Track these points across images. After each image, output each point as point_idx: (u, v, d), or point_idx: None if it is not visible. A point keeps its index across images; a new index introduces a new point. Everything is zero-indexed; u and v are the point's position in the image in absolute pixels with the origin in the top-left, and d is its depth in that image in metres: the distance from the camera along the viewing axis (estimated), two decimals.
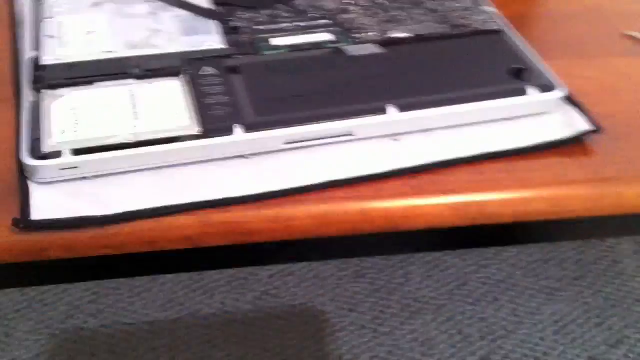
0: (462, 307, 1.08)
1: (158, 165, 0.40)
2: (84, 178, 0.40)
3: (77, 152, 0.39)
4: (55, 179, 0.39)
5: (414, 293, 1.10)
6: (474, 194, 0.41)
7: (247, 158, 0.42)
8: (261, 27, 0.51)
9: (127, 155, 0.40)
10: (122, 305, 1.04)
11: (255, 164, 0.42)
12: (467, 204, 0.41)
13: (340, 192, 0.40)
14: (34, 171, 0.39)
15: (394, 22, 0.53)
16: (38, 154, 0.39)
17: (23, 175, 0.39)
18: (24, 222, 0.37)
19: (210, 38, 0.49)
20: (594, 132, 0.45)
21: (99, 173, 0.40)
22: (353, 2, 0.55)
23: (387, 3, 0.55)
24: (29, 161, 0.39)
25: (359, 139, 0.44)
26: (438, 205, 0.41)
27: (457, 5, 0.55)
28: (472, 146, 0.44)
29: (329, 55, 0.48)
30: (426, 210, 0.41)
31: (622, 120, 0.47)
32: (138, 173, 0.40)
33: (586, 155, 0.45)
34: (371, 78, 0.46)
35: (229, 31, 0.50)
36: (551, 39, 0.56)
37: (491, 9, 0.55)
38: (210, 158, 0.41)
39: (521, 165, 0.43)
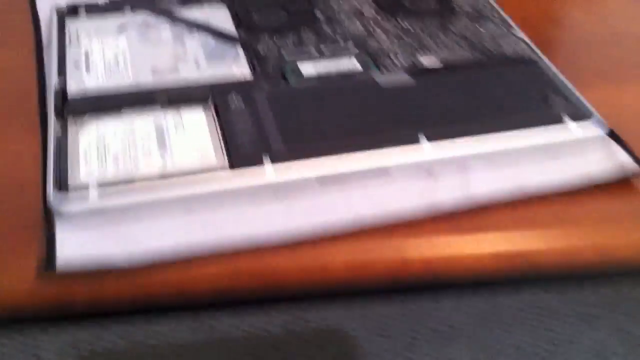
0: (497, 334, 1.05)
1: (186, 202, 0.39)
2: (111, 214, 0.39)
3: (105, 188, 0.39)
4: (81, 216, 0.38)
5: (446, 319, 1.07)
6: (517, 240, 0.39)
7: (277, 195, 0.41)
8: (286, 53, 0.50)
9: (155, 193, 0.39)
10: (151, 327, 1.04)
11: (286, 201, 0.40)
12: (510, 254, 0.39)
13: (376, 234, 0.39)
14: (60, 206, 0.38)
15: (422, 48, 0.51)
16: (65, 189, 0.38)
17: (48, 210, 0.38)
18: (49, 267, 0.36)
19: (235, 65, 0.49)
20: None
21: (126, 209, 0.39)
22: (378, 26, 0.54)
23: (412, 29, 0.54)
24: (55, 197, 0.38)
25: (394, 174, 0.42)
26: (481, 254, 0.39)
27: (487, 31, 0.54)
28: (511, 183, 0.42)
29: (360, 85, 0.47)
30: (468, 256, 0.39)
31: None
32: (166, 209, 0.39)
33: (635, 195, 0.42)
34: (403, 110, 0.45)
35: (254, 56, 0.50)
36: (583, 65, 0.54)
37: (522, 35, 0.53)
38: (238, 193, 0.40)
39: (565, 206, 0.41)
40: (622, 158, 0.44)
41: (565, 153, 0.44)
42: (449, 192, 0.42)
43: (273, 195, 0.40)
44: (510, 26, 0.55)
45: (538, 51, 0.52)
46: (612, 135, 0.45)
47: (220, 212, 0.39)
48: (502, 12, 0.56)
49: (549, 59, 0.51)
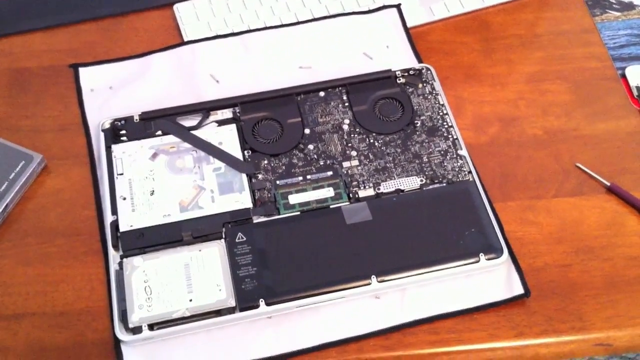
0: None
1: (206, 328, 0.59)
2: (155, 339, 0.59)
3: (152, 326, 0.58)
4: (137, 341, 0.58)
5: None
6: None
7: (270, 317, 0.60)
8: (279, 182, 0.66)
9: (184, 327, 0.58)
10: None
11: (275, 325, 0.60)
12: None
13: (329, 352, 0.58)
14: (124, 337, 0.58)
15: (383, 172, 0.67)
16: (127, 327, 0.58)
17: (117, 338, 0.58)
18: None
19: (241, 197, 0.65)
20: (525, 295, 0.61)
21: (165, 335, 0.59)
22: (353, 146, 0.69)
23: (380, 147, 0.69)
24: (121, 336, 0.58)
25: (349, 300, 0.61)
26: None
27: (437, 147, 0.69)
28: (432, 306, 0.61)
29: (330, 222, 0.64)
30: None
31: (549, 277, 0.63)
32: (192, 334, 0.59)
33: (517, 314, 0.60)
34: (362, 247, 0.62)
35: (255, 186, 0.66)
36: (512, 173, 0.69)
37: (464, 152, 0.68)
38: (242, 322, 0.60)
39: (467, 324, 0.60)
40: (515, 282, 0.62)
41: (475, 278, 0.62)
42: (388, 314, 0.60)
43: (266, 319, 0.60)
44: (456, 140, 0.69)
45: (473, 170, 0.67)
46: (512, 259, 0.63)
47: (229, 332, 0.59)
48: (454, 124, 0.71)
49: (481, 180, 0.67)
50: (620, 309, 0.61)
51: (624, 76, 0.78)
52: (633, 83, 0.77)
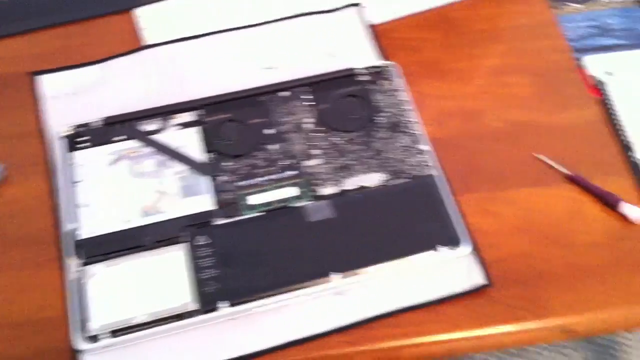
0: None
1: (168, 333, 0.59)
2: (116, 346, 0.58)
3: (112, 332, 0.57)
4: (96, 350, 0.58)
5: None
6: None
7: (234, 319, 0.60)
8: (241, 183, 0.66)
9: (147, 332, 0.58)
10: None
11: (239, 326, 0.60)
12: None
13: (293, 350, 0.58)
14: (82, 347, 0.57)
15: (347, 170, 0.67)
16: (85, 335, 0.57)
17: (74, 348, 0.58)
18: None
19: (203, 199, 0.65)
20: (487, 286, 0.61)
21: (127, 342, 0.58)
22: (314, 145, 0.69)
23: (343, 144, 0.69)
24: (80, 345, 0.57)
25: (312, 297, 0.61)
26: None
27: (398, 144, 0.69)
28: (395, 300, 0.61)
29: (293, 221, 0.63)
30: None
31: (511, 266, 0.63)
32: (155, 340, 0.59)
33: (479, 304, 0.61)
34: (323, 245, 0.62)
35: (217, 188, 0.66)
36: (474, 166, 0.69)
37: (426, 147, 0.69)
38: (205, 325, 0.59)
39: (430, 316, 0.60)
40: (477, 273, 0.62)
41: (437, 270, 0.62)
42: (351, 309, 0.60)
43: (230, 321, 0.60)
44: (418, 135, 0.70)
45: (436, 164, 0.68)
46: (474, 251, 0.63)
47: (193, 335, 0.59)
48: (416, 119, 0.71)
49: (444, 172, 0.67)
50: (581, 295, 0.61)
51: (582, 67, 0.78)
52: (591, 73, 0.77)
